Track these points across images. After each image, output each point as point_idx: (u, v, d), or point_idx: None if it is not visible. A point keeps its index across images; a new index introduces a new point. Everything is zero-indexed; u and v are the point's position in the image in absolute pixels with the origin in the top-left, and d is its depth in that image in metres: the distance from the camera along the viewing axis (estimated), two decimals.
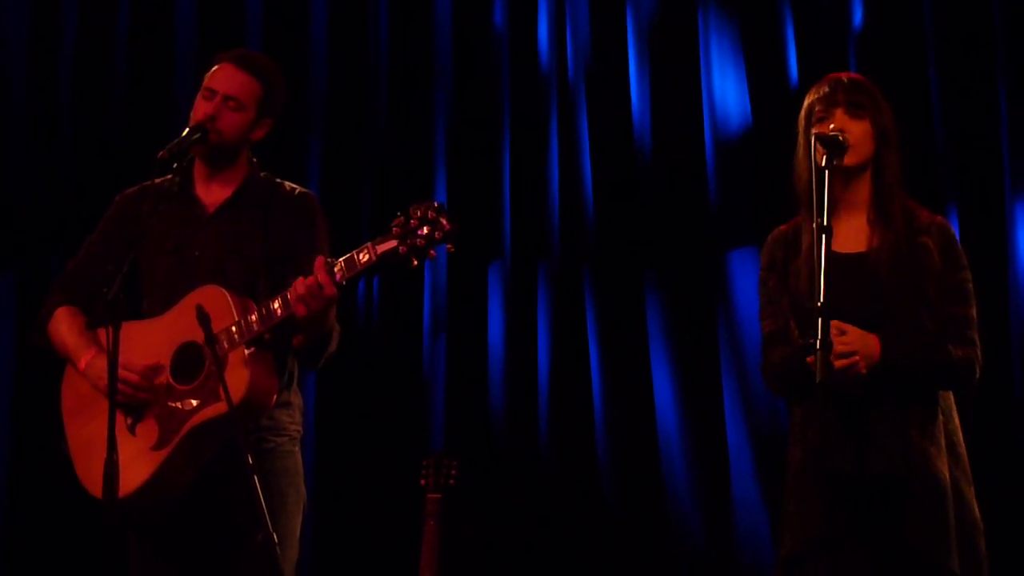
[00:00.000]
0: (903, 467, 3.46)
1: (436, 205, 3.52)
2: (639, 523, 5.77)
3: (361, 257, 3.57)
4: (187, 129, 3.85)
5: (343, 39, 6.43)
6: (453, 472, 5.11)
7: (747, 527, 5.53)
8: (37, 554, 6.21)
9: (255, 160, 4.03)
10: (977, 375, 3.59)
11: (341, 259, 3.59)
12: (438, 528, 5.02)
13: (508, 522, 5.89)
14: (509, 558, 5.88)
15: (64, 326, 3.95)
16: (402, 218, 3.51)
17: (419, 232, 3.49)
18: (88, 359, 3.86)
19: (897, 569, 3.45)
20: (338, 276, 3.58)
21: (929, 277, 3.55)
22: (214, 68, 3.94)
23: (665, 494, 5.73)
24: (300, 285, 3.59)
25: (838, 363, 3.38)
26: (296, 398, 4.01)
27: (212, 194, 3.97)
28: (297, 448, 3.99)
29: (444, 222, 3.50)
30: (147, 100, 6.44)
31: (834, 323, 3.36)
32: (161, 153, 3.78)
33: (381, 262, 3.55)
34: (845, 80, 3.64)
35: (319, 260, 3.60)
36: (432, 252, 3.51)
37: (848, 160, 3.54)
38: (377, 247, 3.54)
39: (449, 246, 3.53)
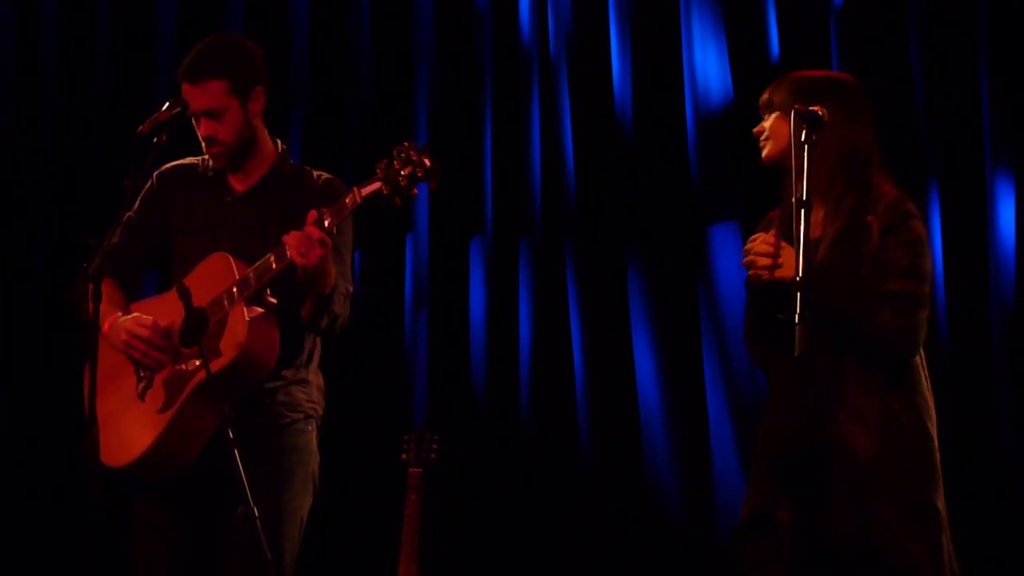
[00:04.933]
0: (825, 451, 3.45)
1: (418, 145, 3.60)
2: (620, 496, 5.79)
3: (347, 201, 3.65)
4: (167, 103, 3.86)
5: (325, 13, 6.42)
6: (434, 446, 5.12)
7: (727, 500, 5.55)
8: (28, 532, 6.23)
9: (284, 148, 4.10)
10: (908, 349, 3.50)
11: (329, 207, 3.66)
12: (420, 502, 5.03)
13: (490, 496, 5.90)
14: (490, 532, 5.89)
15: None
16: (386, 160, 3.60)
17: (402, 172, 3.57)
18: (111, 321, 3.91)
19: (824, 549, 3.45)
20: (327, 223, 3.64)
21: (865, 258, 3.51)
22: (181, 92, 3.95)
23: (646, 467, 5.74)
24: (291, 235, 3.64)
25: (747, 260, 3.47)
26: (315, 377, 4.06)
27: (241, 179, 4.04)
28: (311, 428, 4.02)
29: (426, 161, 3.58)
30: (129, 75, 6.43)
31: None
32: (141, 128, 3.80)
33: (366, 204, 3.63)
34: (763, 96, 3.73)
35: (310, 212, 3.66)
36: (414, 191, 3.59)
37: (769, 152, 3.64)
38: (362, 190, 3.62)
39: (432, 184, 3.61)
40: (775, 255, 3.47)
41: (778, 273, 3.46)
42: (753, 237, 3.55)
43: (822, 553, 3.43)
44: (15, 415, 6.34)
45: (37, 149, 6.48)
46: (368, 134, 6.26)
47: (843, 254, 3.51)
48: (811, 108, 3.48)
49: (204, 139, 3.97)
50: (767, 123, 3.70)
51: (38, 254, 6.45)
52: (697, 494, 5.71)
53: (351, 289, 3.95)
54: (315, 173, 4.08)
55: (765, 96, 3.73)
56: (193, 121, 3.97)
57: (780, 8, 5.67)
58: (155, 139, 3.81)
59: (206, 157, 4.06)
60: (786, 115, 3.58)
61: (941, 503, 3.51)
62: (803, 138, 3.43)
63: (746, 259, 3.51)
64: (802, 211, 3.32)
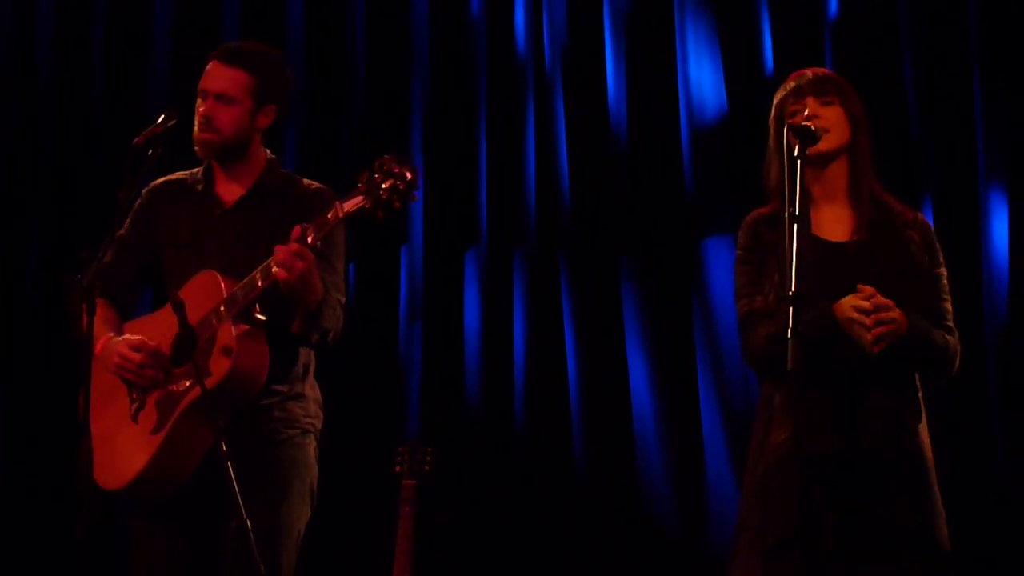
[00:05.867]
0: (894, 447, 3.51)
1: (399, 157, 3.56)
2: (614, 508, 5.79)
3: (329, 216, 3.61)
4: (161, 116, 3.86)
5: (320, 27, 6.43)
6: (428, 459, 5.12)
7: (721, 511, 5.55)
8: (26, 535, 6.22)
9: (273, 157, 4.08)
10: (957, 364, 3.65)
11: (312, 222, 3.63)
12: (413, 514, 5.03)
13: (483, 508, 5.90)
14: (484, 544, 5.89)
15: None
16: (367, 174, 3.57)
17: (383, 185, 3.53)
18: (104, 342, 3.89)
19: (887, 547, 3.48)
20: (310, 239, 3.61)
21: (915, 271, 3.61)
22: (206, 68, 3.98)
23: (640, 479, 5.75)
24: (276, 251, 3.63)
25: (878, 330, 3.41)
26: (312, 391, 4.03)
27: (230, 191, 4.02)
28: (310, 441, 4.00)
29: (407, 173, 3.53)
30: (125, 77, 6.45)
31: (866, 291, 3.43)
32: (137, 140, 3.80)
33: (348, 219, 3.61)
34: (810, 74, 3.69)
35: (294, 228, 3.63)
36: (396, 204, 3.54)
37: (825, 145, 3.57)
38: (344, 205, 3.59)
39: (413, 197, 3.56)
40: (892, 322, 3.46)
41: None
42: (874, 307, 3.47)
43: (883, 552, 3.48)
44: (13, 415, 6.33)
45: (35, 149, 6.50)
46: (363, 144, 6.25)
47: (897, 266, 3.59)
48: (804, 124, 3.51)
49: (202, 117, 3.92)
50: (828, 112, 3.63)
51: (35, 254, 6.45)
52: (691, 503, 5.71)
53: (344, 300, 3.93)
54: (306, 182, 4.06)
55: (819, 76, 3.69)
56: (199, 99, 3.95)
57: (775, 21, 5.69)
58: (150, 151, 3.82)
59: (195, 171, 4.05)
60: (847, 112, 3.63)
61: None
62: (796, 153, 3.45)
63: (880, 330, 3.44)
64: (795, 226, 3.34)
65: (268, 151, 4.09)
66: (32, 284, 6.39)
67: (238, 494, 3.40)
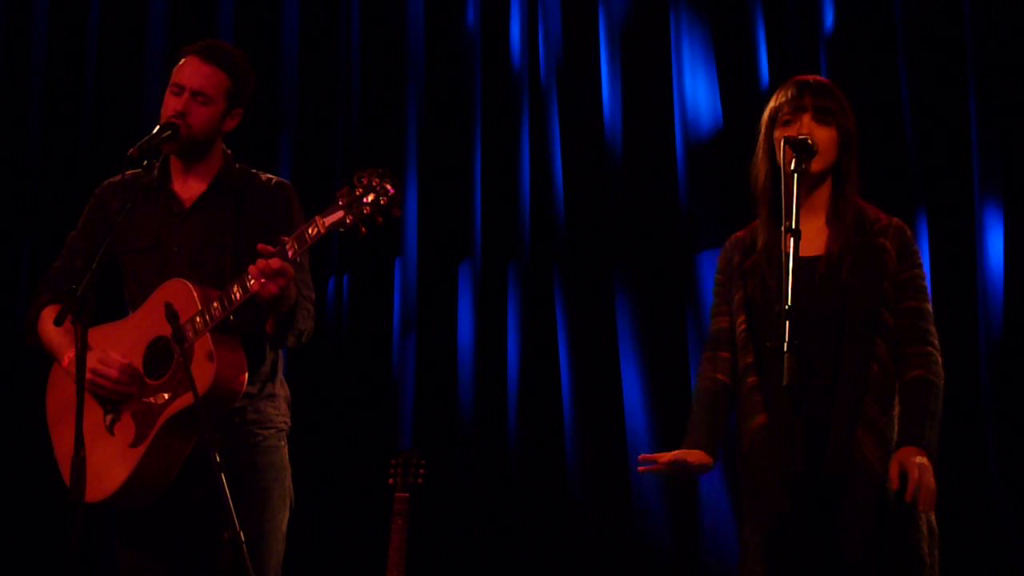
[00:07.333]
0: (845, 467, 3.51)
1: (380, 171, 3.50)
2: (606, 521, 5.78)
3: (311, 231, 3.57)
4: (158, 126, 3.84)
5: (315, 38, 6.43)
6: (421, 471, 5.11)
7: (713, 525, 5.55)
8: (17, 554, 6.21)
9: (229, 152, 4.03)
10: (944, 378, 3.65)
11: (292, 236, 3.59)
12: (406, 527, 5.02)
13: (476, 521, 5.89)
14: (477, 557, 5.88)
15: (50, 325, 3.92)
16: (347, 188, 3.52)
17: (364, 200, 3.48)
18: (72, 355, 3.83)
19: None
20: (290, 253, 3.58)
21: (886, 277, 3.61)
22: (181, 62, 3.94)
23: (632, 492, 5.74)
24: (254, 267, 3.60)
25: (927, 496, 3.45)
26: (282, 389, 4.02)
27: (188, 188, 3.97)
28: (284, 442, 4.00)
29: (388, 187, 3.48)
30: (117, 91, 6.45)
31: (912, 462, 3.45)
32: (132, 150, 3.78)
33: (330, 234, 3.55)
34: (812, 83, 3.68)
35: (262, 244, 3.60)
36: (380, 219, 3.48)
37: (814, 166, 3.58)
38: (325, 219, 3.54)
39: (395, 211, 3.49)
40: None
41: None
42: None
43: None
44: (8, 423, 6.32)
45: (29, 151, 6.50)
46: (357, 155, 6.25)
47: (865, 275, 3.59)
48: (801, 136, 3.51)
49: (176, 112, 3.86)
50: (821, 133, 3.62)
51: (30, 260, 6.44)
52: (684, 517, 5.71)
53: (313, 296, 3.90)
54: (264, 176, 4.02)
55: (812, 100, 3.65)
56: (170, 92, 3.90)
57: (770, 35, 5.69)
58: (145, 162, 3.80)
59: (148, 165, 3.90)
60: (840, 132, 3.63)
61: (934, 517, 3.61)
62: (792, 167, 3.45)
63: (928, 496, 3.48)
64: (792, 240, 3.34)
65: (225, 147, 4.04)
66: (29, 287, 6.38)
67: (231, 505, 3.39)
